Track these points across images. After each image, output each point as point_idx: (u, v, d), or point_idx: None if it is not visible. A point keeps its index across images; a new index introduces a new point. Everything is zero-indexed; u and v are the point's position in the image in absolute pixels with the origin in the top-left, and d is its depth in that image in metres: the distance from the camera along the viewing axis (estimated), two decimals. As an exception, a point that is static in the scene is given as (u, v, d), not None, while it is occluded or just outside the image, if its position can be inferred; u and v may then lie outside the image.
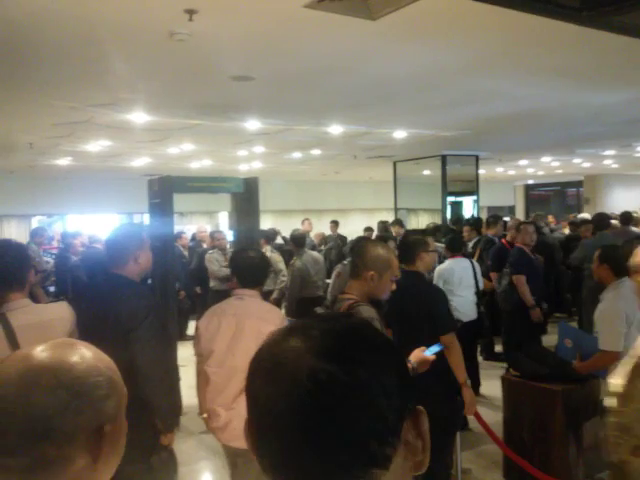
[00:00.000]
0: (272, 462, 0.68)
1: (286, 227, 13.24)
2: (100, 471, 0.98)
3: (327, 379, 0.65)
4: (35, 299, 3.45)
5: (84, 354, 1.01)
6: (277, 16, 3.55)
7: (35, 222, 15.01)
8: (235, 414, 2.92)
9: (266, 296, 7.19)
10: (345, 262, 6.06)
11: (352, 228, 11.91)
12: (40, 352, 0.98)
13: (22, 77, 4.85)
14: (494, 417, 4.63)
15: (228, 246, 8.15)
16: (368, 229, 11.31)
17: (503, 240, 7.09)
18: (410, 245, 3.90)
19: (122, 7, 3.34)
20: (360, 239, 6.92)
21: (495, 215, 8.59)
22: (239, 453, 2.95)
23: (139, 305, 2.88)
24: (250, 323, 2.98)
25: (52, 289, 7.49)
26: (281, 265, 7.61)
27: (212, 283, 7.89)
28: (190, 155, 10.41)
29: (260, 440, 0.70)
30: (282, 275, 7.50)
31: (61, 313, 2.80)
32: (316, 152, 10.36)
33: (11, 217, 14.56)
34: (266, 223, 12.30)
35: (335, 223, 11.85)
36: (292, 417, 0.65)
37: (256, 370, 0.72)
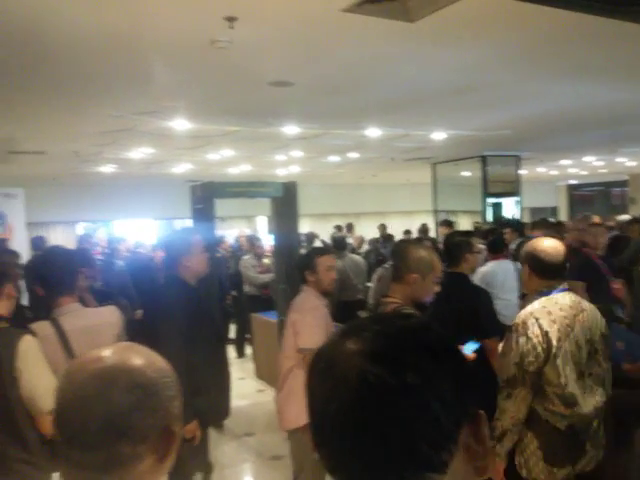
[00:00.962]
0: (328, 462, 0.69)
1: (323, 231, 13.29)
2: (160, 472, 1.01)
3: (376, 381, 0.65)
4: (84, 303, 3.56)
5: (151, 357, 1.05)
6: (315, 21, 3.57)
7: (80, 228, 15.44)
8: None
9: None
10: (386, 265, 6.04)
11: (390, 231, 11.84)
12: (112, 354, 1.02)
13: (69, 87, 5.01)
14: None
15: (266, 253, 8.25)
16: (407, 232, 11.25)
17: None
18: (456, 246, 3.84)
19: (165, 17, 3.42)
20: (401, 242, 6.89)
21: (544, 218, 8.39)
22: None
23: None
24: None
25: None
26: None
27: (247, 288, 7.96)
28: (229, 161, 10.55)
29: (316, 439, 0.71)
30: None
31: (110, 317, 2.89)
32: (353, 155, 10.36)
33: (57, 224, 14.99)
34: (304, 227, 12.35)
35: (383, 226, 11.90)
36: (343, 418, 0.66)
37: (313, 370, 0.73)
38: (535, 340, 2.49)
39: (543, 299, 2.63)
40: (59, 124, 6.69)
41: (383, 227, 12.07)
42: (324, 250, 3.81)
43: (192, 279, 3.21)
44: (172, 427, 1.01)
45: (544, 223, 7.46)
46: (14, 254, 3.90)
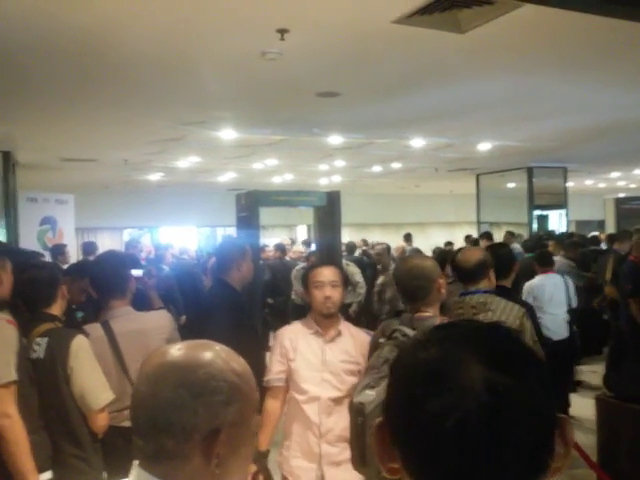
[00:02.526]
0: (430, 476, 0.65)
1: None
2: (218, 477, 1.00)
3: (505, 391, 0.63)
4: (150, 302, 3.69)
5: (215, 358, 1.03)
6: (366, 32, 3.60)
7: (126, 234, 15.82)
8: None
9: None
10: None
11: (432, 242, 11.74)
12: (176, 350, 1.04)
13: (120, 97, 5.17)
14: (585, 440, 4.41)
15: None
16: (448, 243, 11.11)
17: (632, 257, 6.24)
18: (504, 257, 3.70)
19: (218, 30, 3.51)
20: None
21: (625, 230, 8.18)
22: None
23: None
24: None
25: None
26: (357, 277, 7.60)
27: (294, 296, 7.98)
28: (273, 170, 10.67)
29: (412, 452, 0.67)
30: (359, 287, 7.50)
31: (160, 321, 2.94)
32: (396, 165, 10.34)
33: (104, 230, 15.40)
34: (344, 236, 12.36)
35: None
36: (466, 432, 0.62)
37: (406, 378, 0.69)
38: None
39: (457, 299, 3.00)
40: (111, 133, 6.90)
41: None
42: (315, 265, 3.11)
43: (239, 285, 3.27)
44: (220, 432, 0.99)
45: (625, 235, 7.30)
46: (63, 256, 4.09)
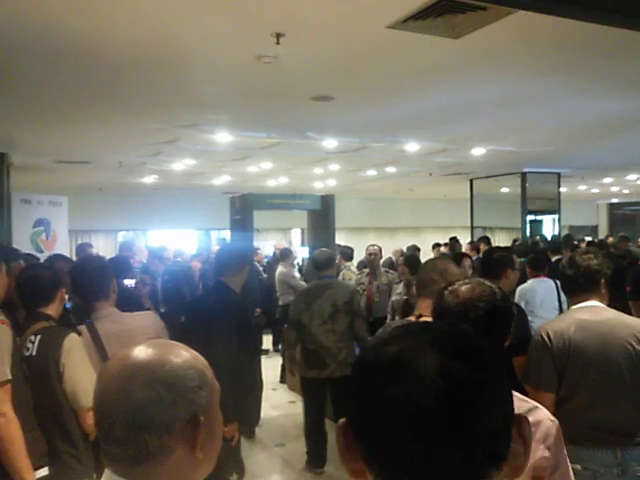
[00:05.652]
0: (387, 468, 0.65)
1: (358, 245, 13.26)
2: (200, 461, 1.05)
3: (461, 377, 0.64)
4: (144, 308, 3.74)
5: (178, 351, 1.08)
6: (361, 37, 3.63)
7: (120, 237, 15.77)
8: None
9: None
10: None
11: (428, 246, 11.73)
12: (139, 351, 1.06)
13: (115, 100, 5.18)
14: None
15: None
16: (436, 245, 11.16)
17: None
18: (497, 262, 3.72)
19: (214, 33, 3.53)
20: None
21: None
22: None
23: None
24: None
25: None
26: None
27: (287, 298, 7.98)
28: (268, 173, 10.68)
29: (372, 444, 0.67)
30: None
31: (145, 322, 2.98)
32: (391, 170, 10.36)
33: (99, 232, 15.35)
34: (338, 240, 12.37)
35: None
36: (421, 418, 0.62)
37: (368, 371, 0.69)
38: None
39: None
40: (106, 135, 6.90)
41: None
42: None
43: (238, 287, 3.32)
44: (198, 417, 1.03)
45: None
46: (69, 261, 4.06)
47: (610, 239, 12.11)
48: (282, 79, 4.53)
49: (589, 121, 6.50)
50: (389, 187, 14.06)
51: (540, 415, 1.61)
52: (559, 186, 11.12)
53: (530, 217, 10.88)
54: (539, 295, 5.46)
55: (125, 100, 5.18)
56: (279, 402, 6.78)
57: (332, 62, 4.16)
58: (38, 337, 2.54)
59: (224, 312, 3.13)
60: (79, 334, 2.63)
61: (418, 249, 10.24)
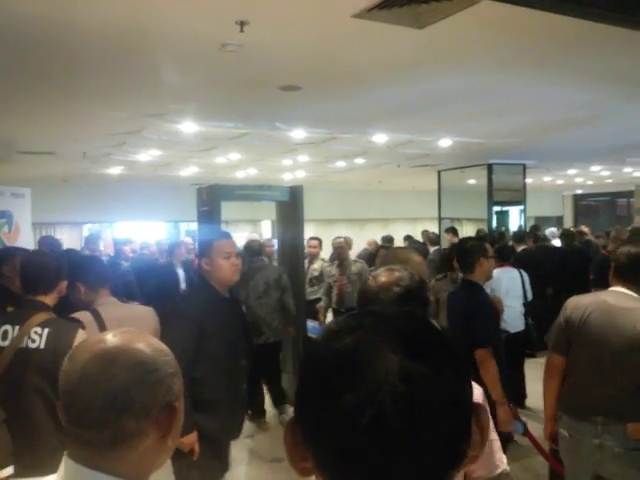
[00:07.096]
0: (344, 472, 0.62)
1: (329, 237, 13.27)
2: (168, 448, 1.06)
3: (421, 380, 0.60)
4: None
5: (149, 339, 1.10)
6: (326, 26, 3.60)
7: (86, 229, 15.49)
8: None
9: (314, 304, 7.25)
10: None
11: (397, 238, 11.81)
12: (112, 337, 1.06)
13: (77, 88, 5.05)
14: (540, 430, 4.51)
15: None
16: (408, 237, 11.25)
17: (604, 251, 6.59)
18: (468, 252, 3.71)
19: (176, 20, 3.45)
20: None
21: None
22: None
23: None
24: None
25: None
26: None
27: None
28: (236, 164, 10.59)
29: (324, 449, 0.63)
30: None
31: (146, 313, 3.16)
32: (360, 161, 10.38)
33: (64, 224, 15.04)
34: (309, 232, 12.34)
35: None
36: (382, 425, 0.59)
37: (318, 370, 0.65)
38: None
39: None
40: (68, 125, 6.74)
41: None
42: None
43: (221, 286, 3.16)
44: (173, 403, 1.05)
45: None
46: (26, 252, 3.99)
47: (585, 229, 12.37)
48: (248, 68, 4.48)
49: (554, 112, 6.60)
50: (359, 179, 14.09)
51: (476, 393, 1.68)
52: (525, 177, 11.30)
53: (496, 208, 11.03)
54: (504, 284, 5.56)
55: (87, 88, 5.06)
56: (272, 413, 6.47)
57: (298, 51, 4.13)
58: (46, 330, 2.54)
59: (190, 308, 3.16)
60: (84, 328, 2.65)
61: (392, 240, 10.35)
